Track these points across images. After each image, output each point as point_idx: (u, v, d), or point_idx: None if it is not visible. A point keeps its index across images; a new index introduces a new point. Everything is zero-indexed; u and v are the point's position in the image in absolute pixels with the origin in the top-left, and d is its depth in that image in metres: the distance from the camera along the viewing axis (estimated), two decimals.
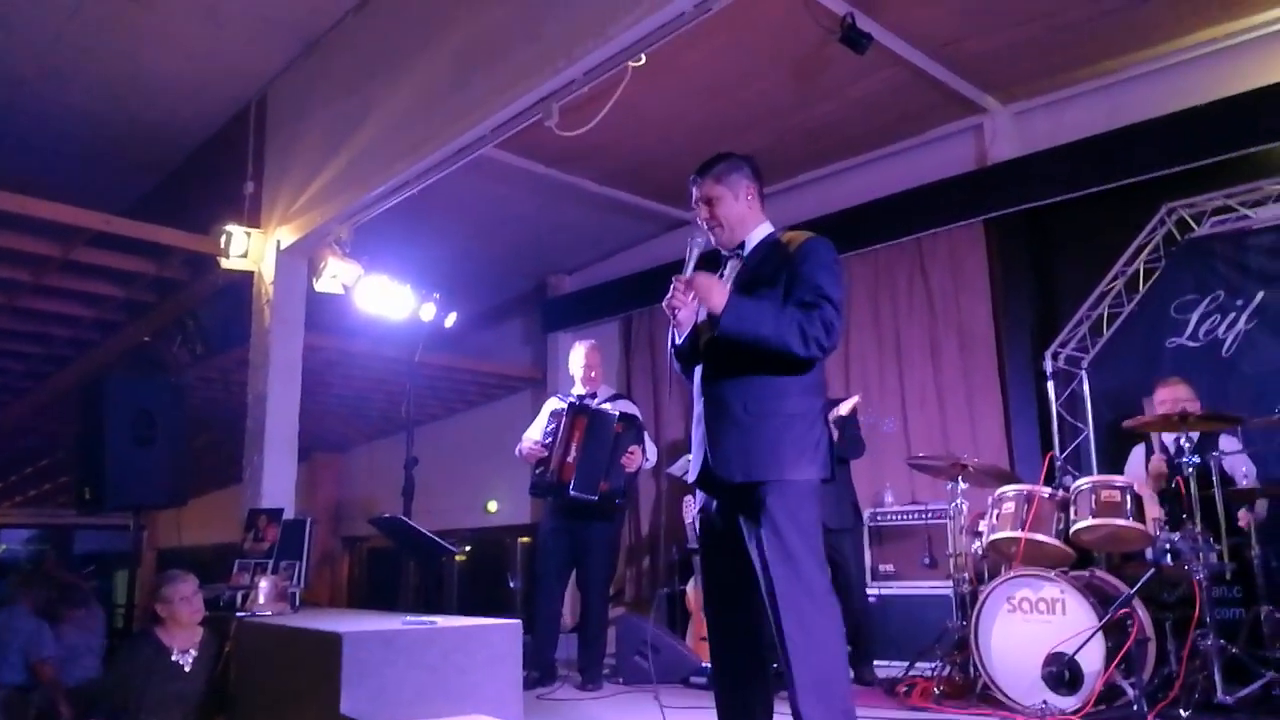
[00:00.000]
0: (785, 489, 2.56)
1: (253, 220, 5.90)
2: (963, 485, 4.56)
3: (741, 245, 2.83)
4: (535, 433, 4.91)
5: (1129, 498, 3.89)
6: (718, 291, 2.59)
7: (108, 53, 5.53)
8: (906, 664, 4.54)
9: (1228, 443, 4.22)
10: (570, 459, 4.61)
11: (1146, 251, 5.01)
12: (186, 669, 3.84)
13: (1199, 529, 3.66)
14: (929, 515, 5.27)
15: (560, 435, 4.69)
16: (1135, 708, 3.47)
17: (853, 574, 4.76)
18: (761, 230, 2.85)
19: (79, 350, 7.59)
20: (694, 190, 2.85)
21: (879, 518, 5.40)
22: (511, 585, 8.00)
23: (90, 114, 6.13)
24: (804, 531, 2.55)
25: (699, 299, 2.61)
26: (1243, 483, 4.14)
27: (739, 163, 2.84)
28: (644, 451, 4.83)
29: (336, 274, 5.46)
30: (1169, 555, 3.70)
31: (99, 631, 5.85)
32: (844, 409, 4.66)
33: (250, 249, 5.75)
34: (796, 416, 2.62)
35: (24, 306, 6.65)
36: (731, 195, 2.80)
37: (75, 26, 5.25)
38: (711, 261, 2.87)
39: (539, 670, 4.69)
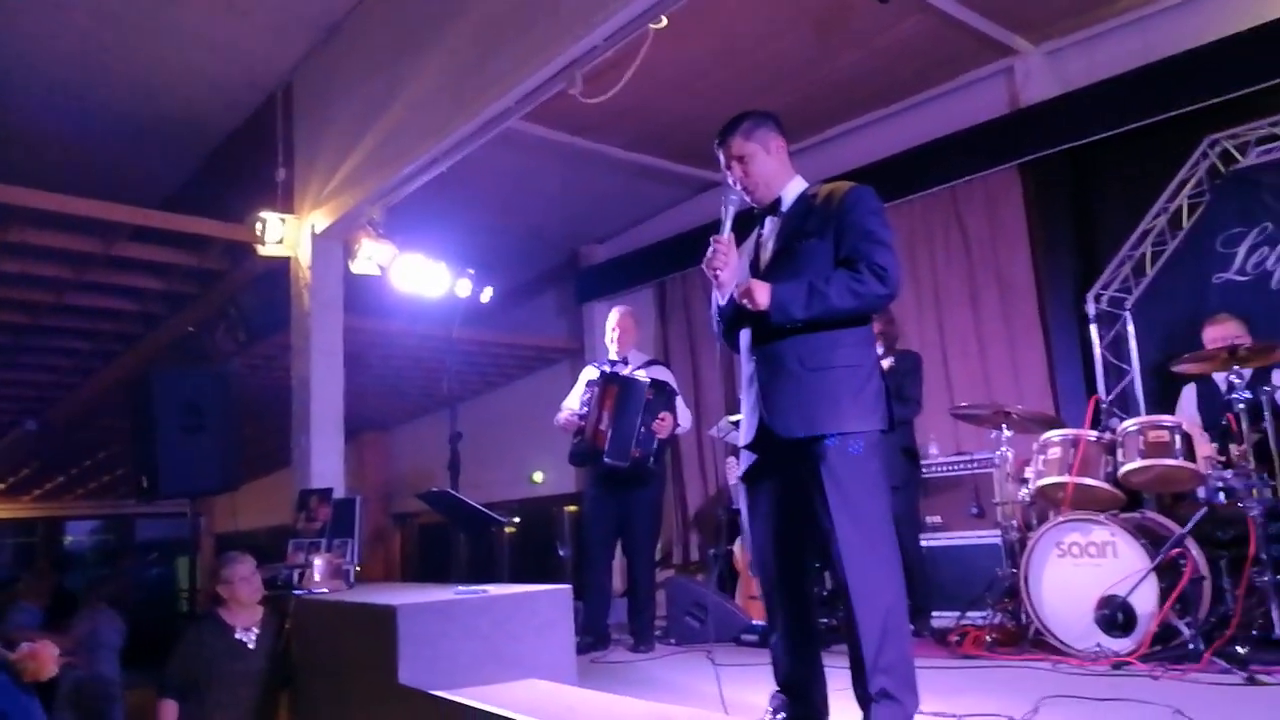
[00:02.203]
0: (847, 441, 2.54)
1: (286, 206, 5.97)
2: (1007, 433, 4.52)
3: (778, 202, 2.81)
4: (573, 402, 4.95)
5: (1178, 437, 3.82)
6: (759, 292, 2.58)
7: (134, 50, 5.60)
8: (957, 614, 4.54)
9: None
10: (603, 427, 4.64)
11: (1189, 186, 4.89)
12: (250, 646, 3.95)
13: (1253, 466, 3.60)
14: (975, 465, 5.23)
15: (593, 404, 4.73)
16: (1191, 646, 3.44)
17: (905, 529, 4.71)
18: (795, 185, 2.82)
19: (126, 344, 7.76)
20: (721, 153, 2.82)
21: (925, 469, 5.36)
22: (561, 554, 8.10)
23: (122, 110, 6.22)
24: (868, 483, 2.55)
25: (743, 300, 2.61)
26: None
27: (764, 118, 2.80)
28: (676, 417, 4.83)
29: (371, 255, 5.51)
30: (1222, 494, 3.66)
31: None
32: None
33: (286, 235, 5.82)
34: (854, 368, 2.61)
35: (70, 303, 6.81)
36: (763, 151, 2.77)
37: (102, 25, 5.31)
38: (746, 221, 2.85)
39: (592, 636, 4.75)
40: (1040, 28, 5.49)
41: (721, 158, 2.83)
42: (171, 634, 4.24)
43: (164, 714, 3.79)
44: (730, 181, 2.82)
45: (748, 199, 2.82)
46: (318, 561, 4.38)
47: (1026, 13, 5.33)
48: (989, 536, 4.90)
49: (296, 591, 4.24)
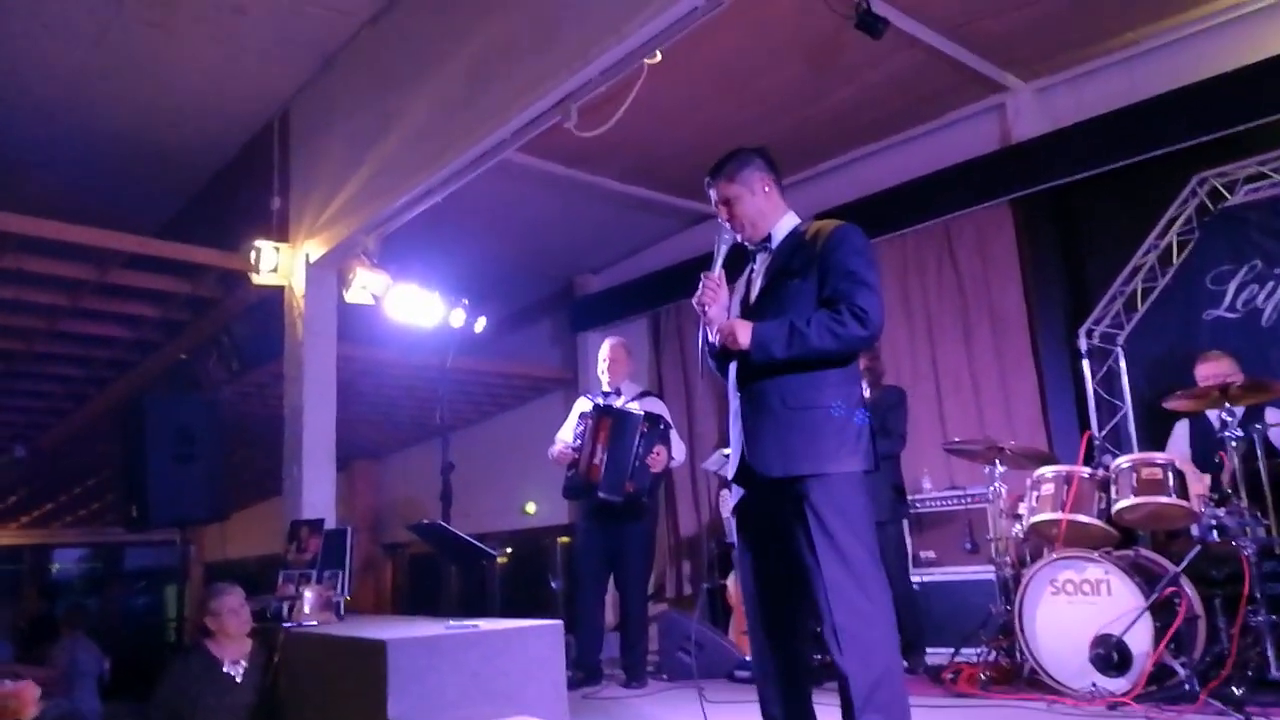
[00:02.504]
0: (828, 482, 2.53)
1: (281, 235, 5.98)
2: (1000, 468, 4.51)
3: (768, 238, 2.81)
4: (566, 434, 4.94)
5: (1171, 474, 3.83)
6: (740, 332, 2.60)
7: (132, 78, 5.62)
8: (951, 650, 4.51)
9: (1273, 414, 4.15)
10: (597, 461, 4.63)
11: (1179, 223, 4.93)
12: (238, 680, 3.91)
13: (1245, 504, 3.60)
14: (968, 500, 5.23)
15: (587, 437, 4.71)
16: (1187, 687, 3.42)
17: (892, 564, 4.70)
18: (787, 221, 2.83)
19: (119, 371, 7.73)
20: (711, 193, 2.84)
21: (918, 504, 5.35)
22: (553, 586, 8.04)
23: (119, 138, 6.24)
24: (851, 523, 2.52)
25: (726, 340, 2.63)
26: None
27: (750, 156, 2.81)
28: (670, 450, 4.82)
29: (366, 284, 5.51)
30: (1215, 531, 3.65)
31: None
32: None
33: (280, 264, 5.82)
34: (836, 407, 2.60)
35: (64, 330, 6.79)
36: (748, 192, 2.78)
37: (99, 55, 5.34)
38: (739, 256, 2.86)
39: (584, 670, 4.71)
40: (1030, 65, 5.55)
41: (711, 197, 2.84)
42: (158, 665, 4.19)
43: None
44: (721, 220, 2.84)
45: (738, 237, 2.83)
46: (308, 594, 4.34)
47: (1017, 50, 5.38)
48: (983, 572, 4.88)
49: (286, 624, 4.19)
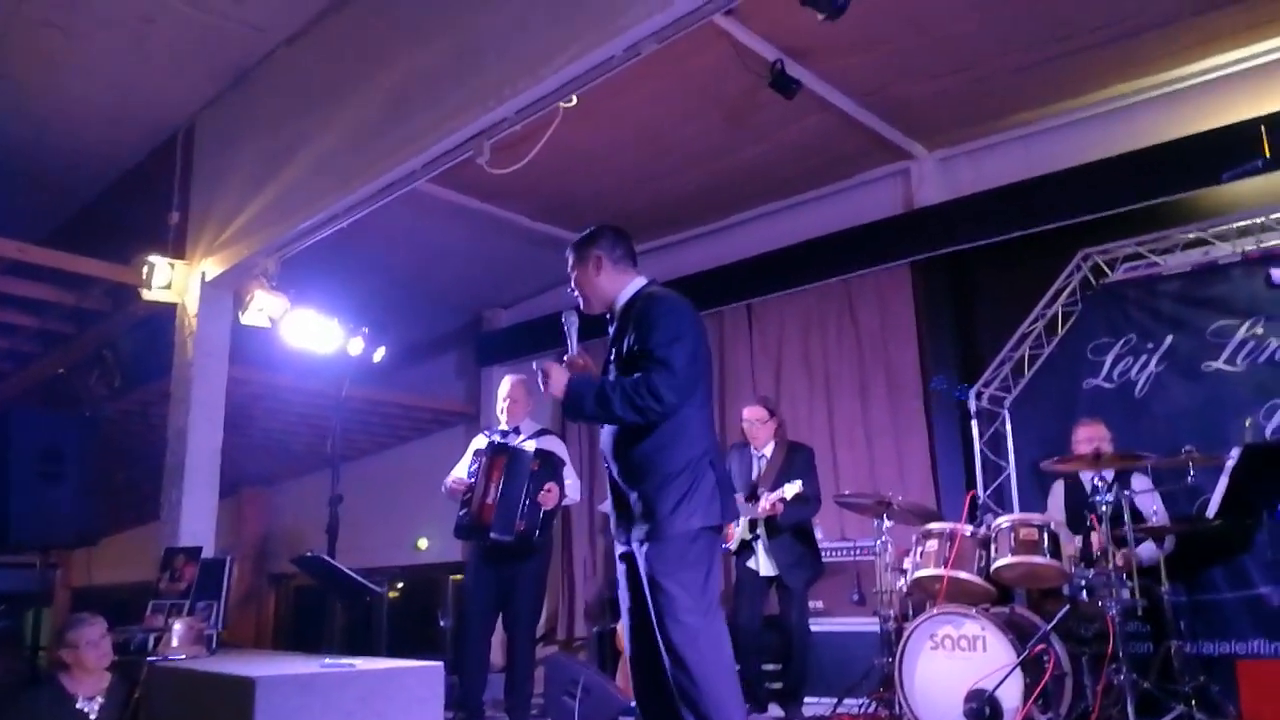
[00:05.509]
0: (663, 544, 2.64)
1: (177, 251, 5.78)
2: (889, 523, 4.62)
3: (615, 309, 2.95)
4: (461, 471, 4.85)
5: (1047, 535, 3.97)
6: (555, 379, 2.73)
7: (27, 79, 5.39)
8: (834, 701, 4.55)
9: (1139, 481, 4.36)
10: (490, 500, 4.53)
11: (1064, 295, 5.18)
12: (92, 717, 3.69)
13: (1112, 566, 3.76)
14: (858, 552, 5.32)
15: (480, 475, 4.63)
16: None
17: (796, 621, 4.76)
18: (629, 289, 2.94)
19: None
20: None
21: None
22: (442, 624, 7.86)
23: (6, 139, 5.96)
24: (682, 581, 2.62)
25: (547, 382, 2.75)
26: (1153, 520, 4.26)
27: (593, 236, 2.97)
28: (562, 488, 4.77)
29: (263, 307, 5.36)
30: (1085, 591, 3.80)
31: None
32: (763, 508, 4.66)
33: (174, 280, 5.63)
34: (672, 475, 2.69)
35: None
36: (584, 269, 2.94)
37: None
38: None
39: (466, 712, 4.59)
40: (935, 135, 5.80)
41: None
42: (7, 697, 3.93)
43: None
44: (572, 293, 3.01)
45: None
46: (177, 626, 4.15)
47: (922, 120, 5.62)
48: (869, 624, 4.95)
49: (151, 658, 3.99)
